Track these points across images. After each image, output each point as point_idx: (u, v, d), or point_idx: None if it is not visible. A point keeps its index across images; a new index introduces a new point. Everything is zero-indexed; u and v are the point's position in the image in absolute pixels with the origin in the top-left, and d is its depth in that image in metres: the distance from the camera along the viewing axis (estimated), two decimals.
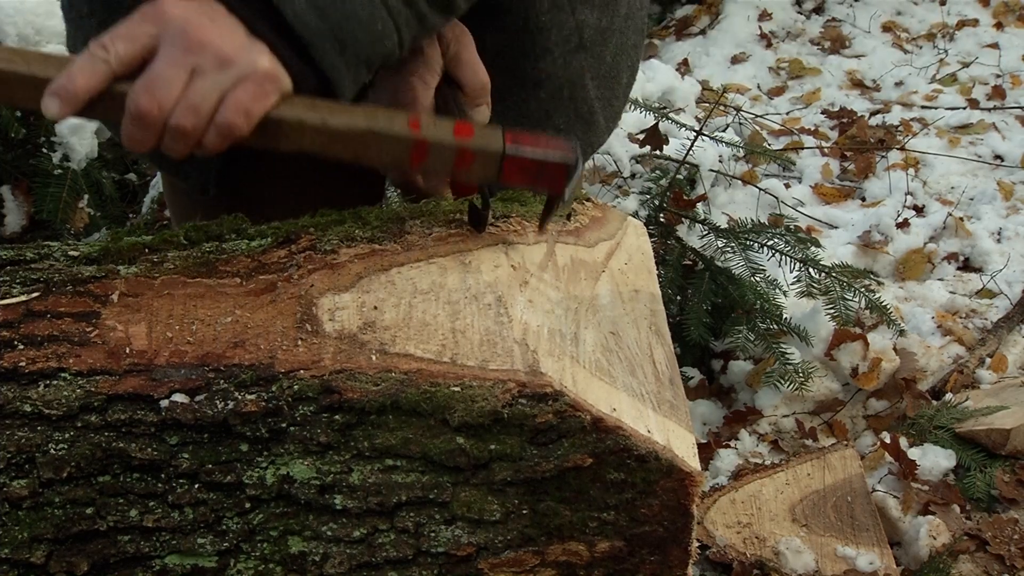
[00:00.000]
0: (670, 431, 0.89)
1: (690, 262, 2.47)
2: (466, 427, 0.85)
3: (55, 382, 0.85)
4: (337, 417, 0.85)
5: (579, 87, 1.25)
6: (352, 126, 0.92)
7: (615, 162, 3.16)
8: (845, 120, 3.76)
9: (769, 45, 4.50)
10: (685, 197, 2.71)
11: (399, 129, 0.93)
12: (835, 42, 4.52)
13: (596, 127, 1.31)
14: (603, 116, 1.31)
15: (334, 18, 0.92)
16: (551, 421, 0.85)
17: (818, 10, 4.83)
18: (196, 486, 0.86)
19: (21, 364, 0.85)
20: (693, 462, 0.88)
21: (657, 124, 2.82)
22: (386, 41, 0.96)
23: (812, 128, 3.74)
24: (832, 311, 2.33)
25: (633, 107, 2.70)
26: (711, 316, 2.33)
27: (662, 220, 2.56)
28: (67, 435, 0.84)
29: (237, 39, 0.89)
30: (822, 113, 3.88)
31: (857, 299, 2.35)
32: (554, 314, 0.94)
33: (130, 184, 3.04)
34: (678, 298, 2.39)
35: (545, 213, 0.99)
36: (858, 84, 4.16)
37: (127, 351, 0.87)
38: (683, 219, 2.58)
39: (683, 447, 0.89)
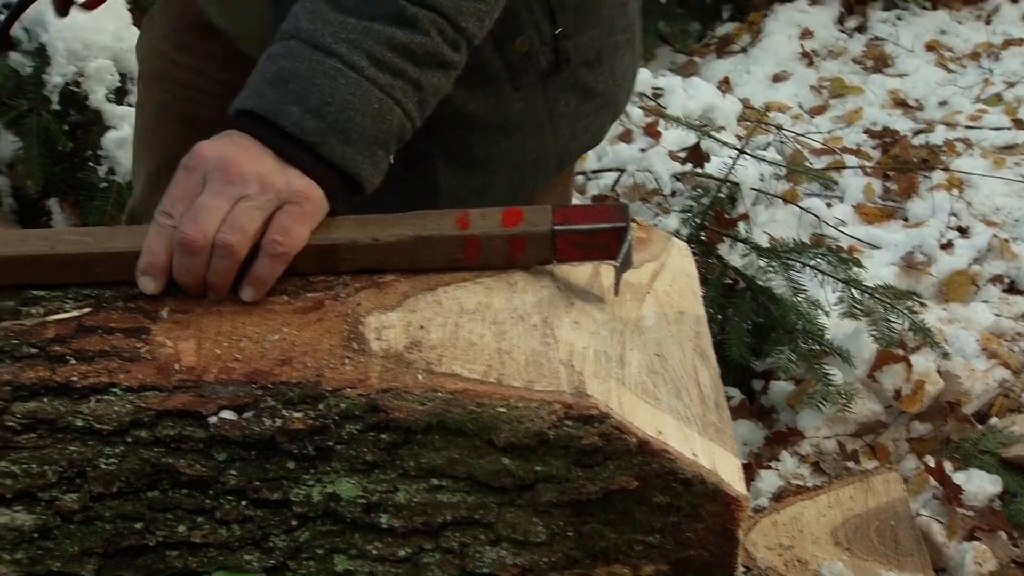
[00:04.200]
0: (715, 454, 0.89)
1: (731, 281, 2.46)
2: (512, 448, 0.85)
3: (106, 397, 0.86)
4: (383, 436, 0.85)
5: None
6: (403, 236, 0.97)
7: (655, 179, 3.16)
8: (888, 140, 3.74)
9: (811, 63, 4.49)
10: (726, 216, 2.71)
11: (448, 230, 0.97)
12: (878, 61, 4.50)
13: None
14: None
15: (330, 113, 0.95)
16: (597, 443, 0.85)
17: (860, 28, 4.81)
18: (243, 503, 0.86)
19: (73, 379, 0.86)
20: (739, 486, 0.88)
21: (698, 142, 2.82)
22: (389, 117, 0.99)
23: (854, 147, 3.72)
24: (875, 332, 2.32)
25: (674, 125, 2.70)
26: (752, 336, 2.33)
27: (703, 239, 2.56)
28: (117, 450, 0.85)
29: (270, 165, 0.94)
30: (864, 132, 3.86)
31: (900, 320, 2.33)
32: (599, 335, 0.94)
33: None
34: (719, 317, 2.39)
35: (616, 280, 0.99)
36: (901, 103, 4.13)
37: (176, 367, 0.88)
38: (724, 238, 2.58)
39: (729, 471, 0.88)
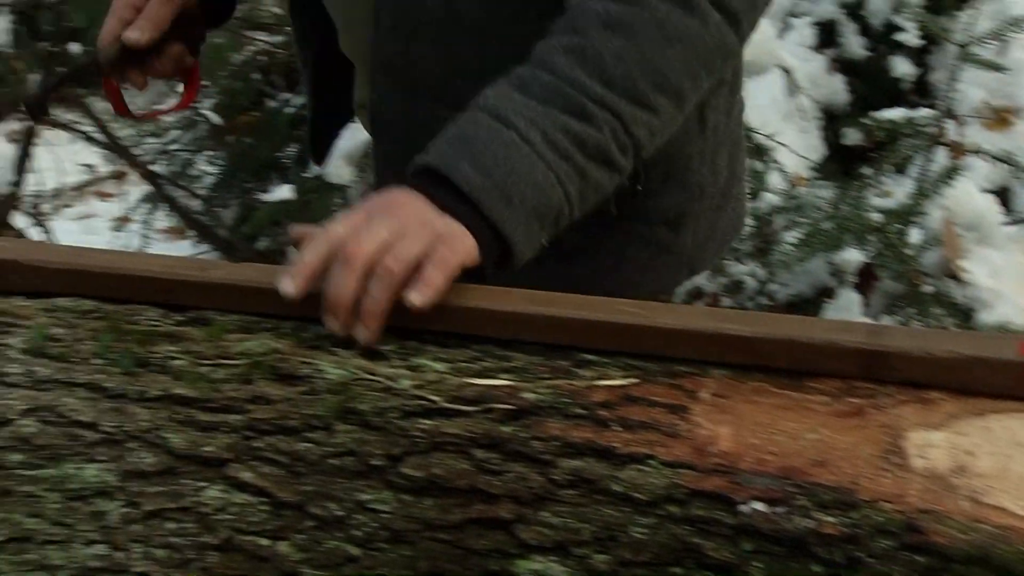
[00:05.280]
0: None
1: None
2: None
3: (644, 468, 0.89)
4: (919, 558, 0.82)
5: None
6: (959, 355, 0.93)
7: None
8: None
9: None
10: None
11: (1008, 355, 0.93)
12: None
13: None
14: None
15: (498, 175, 1.03)
16: None
17: None
18: None
19: (616, 445, 0.91)
20: None
21: None
22: (550, 192, 1.06)
23: None
24: None
25: None
26: None
27: None
28: (650, 520, 0.88)
29: (432, 212, 1.02)
30: None
31: None
32: None
33: None
34: None
35: None
36: None
37: (712, 450, 0.90)
38: None
39: None
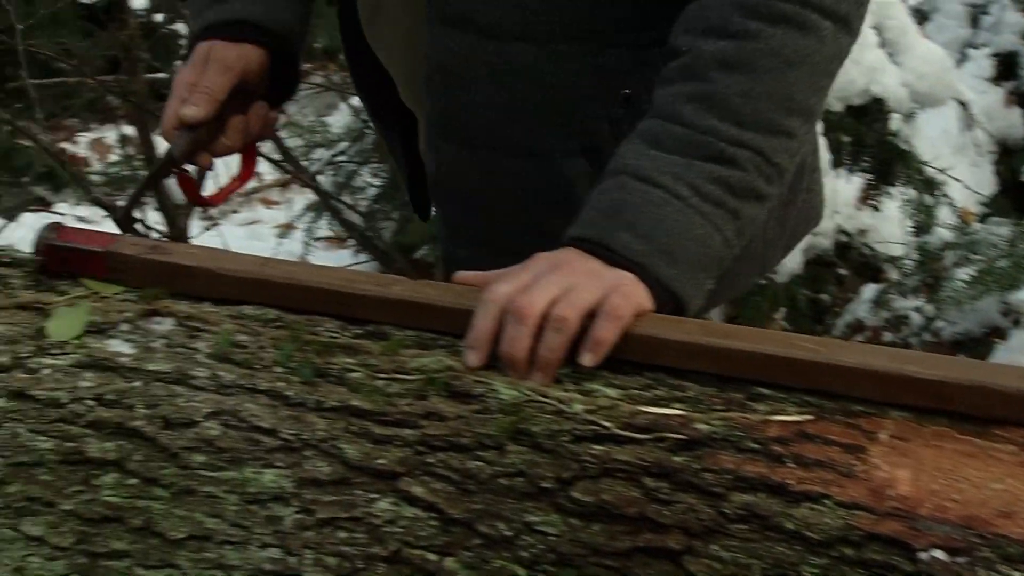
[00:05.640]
0: None
1: None
2: None
3: (818, 507, 0.88)
4: None
5: None
6: None
7: None
8: None
9: None
10: None
11: None
12: None
13: None
14: None
15: (658, 237, 1.04)
16: None
17: None
18: None
19: (789, 482, 0.89)
20: None
21: None
22: (710, 242, 1.07)
23: None
24: None
25: None
26: None
27: None
28: (822, 561, 0.86)
29: (599, 265, 1.04)
30: None
31: None
32: None
33: (823, 303, 3.10)
34: None
35: None
36: None
37: (890, 493, 0.88)
38: None
39: None
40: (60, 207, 3.59)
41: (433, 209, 1.53)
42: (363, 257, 3.57)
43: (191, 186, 1.34)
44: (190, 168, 1.31)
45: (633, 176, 1.08)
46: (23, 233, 2.81)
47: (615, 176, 1.10)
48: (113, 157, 4.29)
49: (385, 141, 1.63)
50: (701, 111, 1.09)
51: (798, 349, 0.98)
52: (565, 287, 1.00)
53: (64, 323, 1.06)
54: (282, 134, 3.31)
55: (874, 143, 2.70)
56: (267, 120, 1.36)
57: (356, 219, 3.41)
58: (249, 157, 1.41)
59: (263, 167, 4.15)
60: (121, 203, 2.80)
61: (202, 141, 1.28)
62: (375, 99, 1.55)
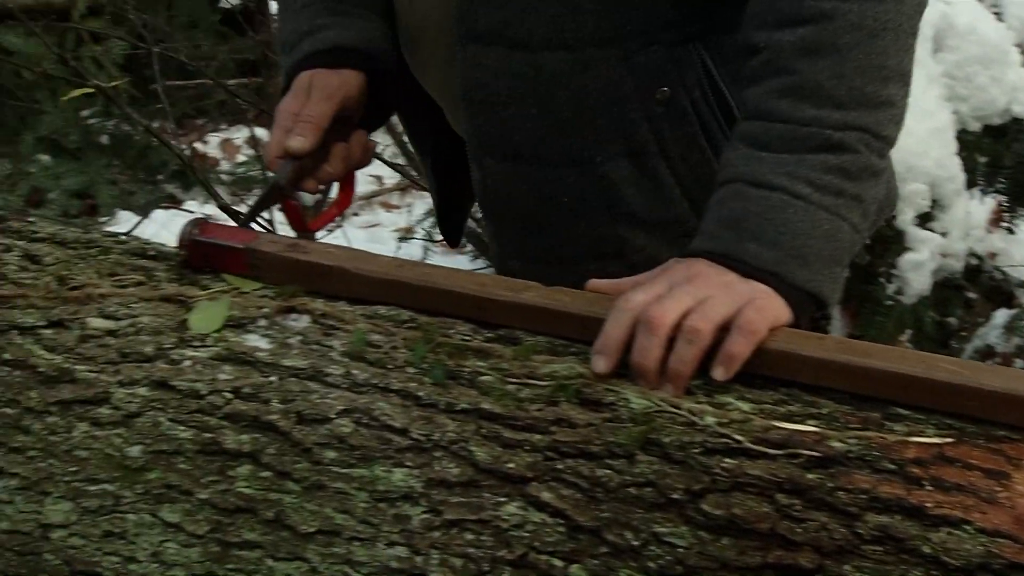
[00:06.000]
0: None
1: None
2: None
3: (957, 532, 0.86)
4: None
5: None
6: None
7: None
8: None
9: None
10: None
11: None
12: None
13: None
14: None
15: (786, 243, 1.03)
16: None
17: None
18: None
19: (927, 504, 0.87)
20: None
21: None
22: (839, 235, 1.05)
23: None
24: None
25: None
26: None
27: None
28: None
29: (734, 277, 1.02)
30: None
31: None
32: None
33: (950, 327, 3.02)
34: None
35: None
36: None
37: None
38: None
39: None
40: (189, 204, 3.68)
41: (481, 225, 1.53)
42: (480, 263, 3.59)
43: (296, 214, 1.35)
44: (296, 195, 1.33)
45: (748, 183, 1.06)
46: (154, 229, 2.90)
47: (729, 185, 1.08)
48: (241, 157, 4.39)
49: (422, 166, 1.64)
50: (797, 103, 1.07)
51: (939, 371, 0.95)
52: (699, 299, 0.99)
53: (205, 316, 1.09)
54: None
55: (1012, 164, 2.62)
56: (367, 147, 1.38)
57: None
58: (348, 184, 1.42)
59: (384, 171, 4.22)
60: (245, 206, 2.86)
61: (307, 169, 1.30)
62: (412, 125, 1.57)
